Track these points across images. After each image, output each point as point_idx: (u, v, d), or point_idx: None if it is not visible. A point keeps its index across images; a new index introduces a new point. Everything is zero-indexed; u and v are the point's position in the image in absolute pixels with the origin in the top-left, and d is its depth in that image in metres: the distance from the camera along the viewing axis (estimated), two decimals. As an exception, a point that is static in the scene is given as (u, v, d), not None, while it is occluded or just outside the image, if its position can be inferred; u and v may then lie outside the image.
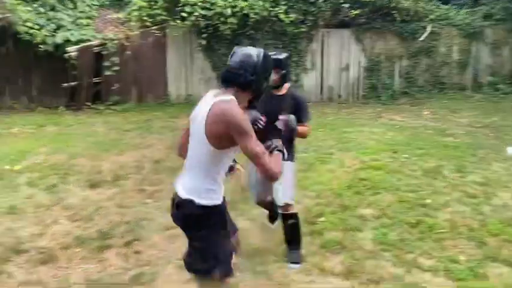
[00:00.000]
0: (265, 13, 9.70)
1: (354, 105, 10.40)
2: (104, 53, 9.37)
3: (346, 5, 9.96)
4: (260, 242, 3.47)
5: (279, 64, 2.97)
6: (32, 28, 8.70)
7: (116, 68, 9.52)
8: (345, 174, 5.19)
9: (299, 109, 3.10)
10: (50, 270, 3.19)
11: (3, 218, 4.05)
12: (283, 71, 3.10)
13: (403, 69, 10.74)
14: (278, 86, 3.14)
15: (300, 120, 3.05)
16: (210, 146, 2.03)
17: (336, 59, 10.65)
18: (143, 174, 5.38)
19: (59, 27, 9.11)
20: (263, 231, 3.67)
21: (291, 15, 9.80)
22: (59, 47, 8.95)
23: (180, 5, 9.49)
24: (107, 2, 10.54)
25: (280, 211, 3.24)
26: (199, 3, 9.37)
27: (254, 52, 2.12)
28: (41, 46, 8.74)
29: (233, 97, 2.06)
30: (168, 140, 7.02)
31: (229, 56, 2.15)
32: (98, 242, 3.59)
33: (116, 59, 9.47)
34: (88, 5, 9.89)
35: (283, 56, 3.14)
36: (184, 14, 9.42)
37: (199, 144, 2.08)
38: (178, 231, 3.72)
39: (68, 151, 6.34)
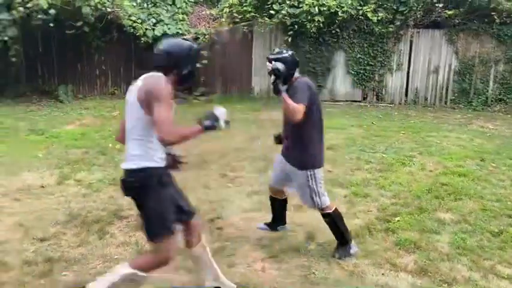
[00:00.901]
0: (353, 11, 9.66)
1: (441, 109, 9.96)
2: (196, 46, 10.01)
3: (440, 5, 9.54)
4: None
5: (284, 62, 3.06)
6: (135, 22, 9.59)
7: (205, 61, 10.12)
8: (425, 178, 5.09)
9: (293, 93, 3.02)
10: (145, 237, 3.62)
11: (108, 188, 4.63)
12: (282, 70, 3.10)
13: (499, 74, 10.02)
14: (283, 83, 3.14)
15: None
16: (141, 112, 2.25)
17: (425, 60, 10.26)
18: (226, 161, 5.74)
19: (158, 22, 9.93)
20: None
21: (379, 14, 9.64)
22: (157, 40, 9.76)
23: (269, 3, 9.81)
24: (201, -1, 11.23)
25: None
26: (288, 2, 9.60)
27: (177, 41, 2.50)
28: (142, 38, 9.60)
29: (162, 74, 2.32)
30: (249, 131, 7.37)
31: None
32: (186, 216, 3.97)
33: (205, 53, 10.07)
34: (185, 1, 10.61)
35: (280, 56, 3.14)
36: (272, 12, 9.73)
37: (133, 113, 2.31)
38: (256, 214, 4.06)
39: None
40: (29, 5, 8.05)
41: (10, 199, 4.32)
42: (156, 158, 2.33)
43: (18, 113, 8.40)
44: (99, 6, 8.83)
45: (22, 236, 3.53)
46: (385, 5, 9.77)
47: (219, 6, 10.67)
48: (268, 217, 3.68)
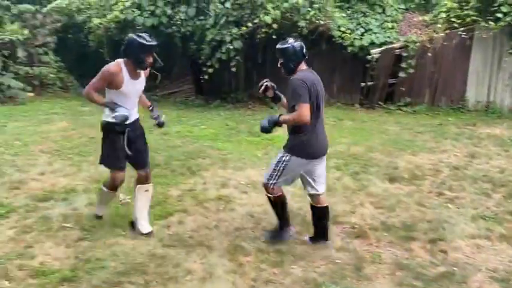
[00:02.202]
0: None
1: None
2: (404, 55, 9.61)
3: None
4: None
5: (282, 53, 3.32)
6: (344, 32, 9.83)
7: (411, 70, 9.63)
8: None
9: (289, 93, 3.23)
10: (362, 245, 3.63)
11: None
12: (281, 60, 3.34)
13: None
14: (286, 74, 3.37)
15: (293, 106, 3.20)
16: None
17: None
18: (441, 178, 5.30)
19: (366, 31, 9.93)
20: None
21: None
22: (363, 49, 9.77)
23: (495, 5, 8.68)
24: (413, 6, 10.72)
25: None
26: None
27: (128, 37, 3.46)
28: (349, 48, 9.76)
29: (120, 60, 3.45)
30: (466, 148, 6.65)
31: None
32: (403, 232, 3.82)
33: (413, 61, 9.58)
34: (395, 9, 10.32)
35: (281, 46, 3.32)
36: (499, 15, 8.58)
37: None
38: (485, 242, 3.61)
39: (365, 144, 6.93)
40: (256, 20, 9.14)
41: (239, 191, 4.95)
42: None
43: (238, 116, 9.61)
44: (313, 19, 9.38)
45: (253, 225, 4.00)
46: None
47: (433, 11, 10.00)
48: (500, 247, 3.26)
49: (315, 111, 3.24)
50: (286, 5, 9.27)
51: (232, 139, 7.47)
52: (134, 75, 3.50)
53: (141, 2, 10.41)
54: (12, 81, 10.68)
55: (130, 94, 3.56)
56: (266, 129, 3.31)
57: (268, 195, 3.52)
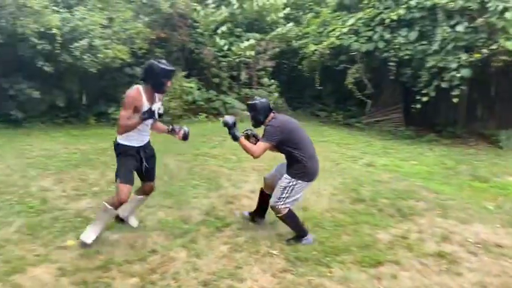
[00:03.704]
0: None
1: None
2: None
3: None
4: None
5: (252, 108, 4.00)
6: None
7: None
8: None
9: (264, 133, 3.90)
10: None
11: None
12: (252, 113, 4.00)
13: None
14: (255, 125, 4.05)
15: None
16: None
17: None
18: None
19: None
20: None
21: None
22: None
23: None
24: None
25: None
26: None
27: (148, 63, 3.72)
28: None
29: (139, 86, 3.67)
30: None
31: None
32: None
33: None
34: None
35: (254, 101, 4.00)
36: None
37: None
38: None
39: None
40: (493, 46, 7.79)
41: (466, 251, 4.02)
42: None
43: (456, 154, 8.34)
44: None
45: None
46: None
47: None
48: None
49: (299, 143, 3.92)
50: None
51: (451, 181, 6.41)
52: (151, 100, 3.70)
53: (358, 27, 10.26)
54: (235, 101, 11.95)
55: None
56: (226, 126, 3.86)
57: (279, 215, 3.95)
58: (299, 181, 3.89)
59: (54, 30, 8.17)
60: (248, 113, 4.10)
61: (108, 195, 5.14)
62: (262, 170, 6.56)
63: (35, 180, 5.60)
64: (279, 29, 13.22)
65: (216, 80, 12.23)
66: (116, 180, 3.77)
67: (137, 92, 3.63)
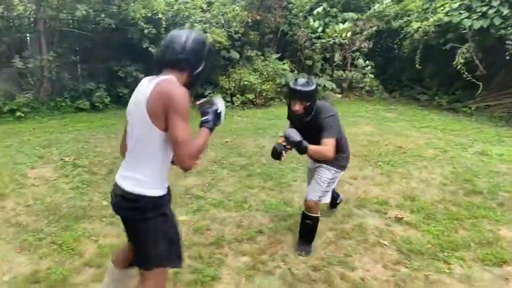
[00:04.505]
0: None
1: None
2: None
3: None
4: None
5: (304, 96, 3.01)
6: None
7: None
8: None
9: (321, 127, 3.04)
10: None
11: None
12: (308, 103, 3.04)
13: None
14: (303, 117, 3.12)
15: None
16: (155, 129, 1.88)
17: None
18: None
19: None
20: None
21: None
22: None
23: None
24: None
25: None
26: None
27: (184, 32, 2.02)
28: None
29: (172, 76, 1.94)
30: None
31: None
32: None
33: None
34: None
35: (309, 88, 3.02)
36: None
37: (143, 130, 1.91)
38: None
39: None
40: None
41: None
42: None
43: None
44: None
45: None
46: None
47: None
48: None
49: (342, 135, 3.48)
50: None
51: None
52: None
53: (471, 2, 9.27)
54: (328, 82, 11.66)
55: None
56: (293, 143, 2.97)
57: (312, 215, 3.34)
58: (342, 172, 3.48)
59: (160, 15, 8.58)
60: (305, 101, 3.06)
61: (211, 173, 5.31)
62: (361, 156, 6.31)
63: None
64: (375, 6, 12.47)
65: (309, 62, 12.00)
66: (152, 266, 2.07)
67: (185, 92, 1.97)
